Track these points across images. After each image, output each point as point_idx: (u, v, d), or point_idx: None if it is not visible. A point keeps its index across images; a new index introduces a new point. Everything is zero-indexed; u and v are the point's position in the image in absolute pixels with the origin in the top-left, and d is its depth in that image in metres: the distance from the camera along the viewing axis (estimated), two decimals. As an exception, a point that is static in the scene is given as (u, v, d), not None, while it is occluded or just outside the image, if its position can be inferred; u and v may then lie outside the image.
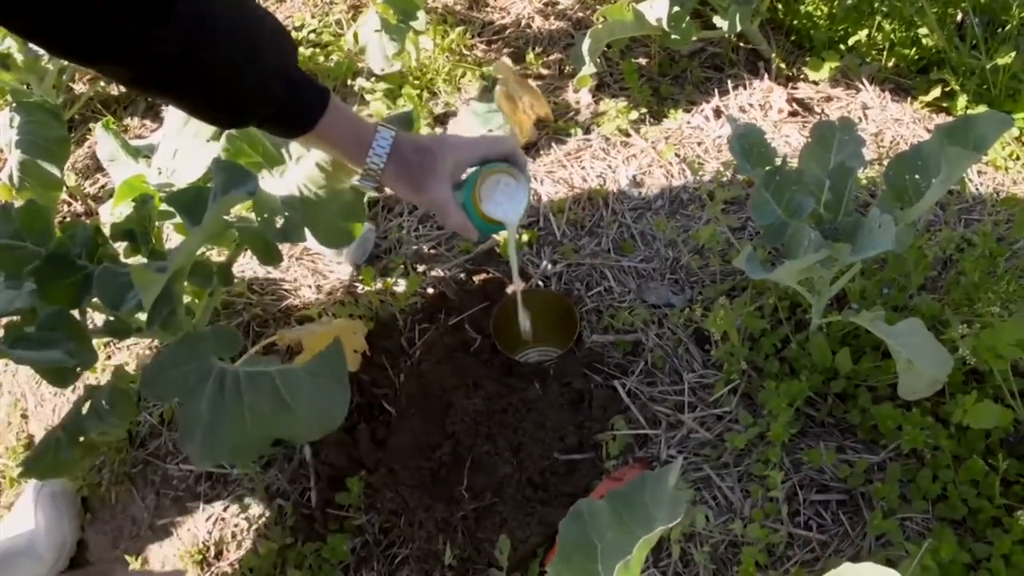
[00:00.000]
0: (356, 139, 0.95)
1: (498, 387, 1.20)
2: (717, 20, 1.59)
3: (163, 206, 1.12)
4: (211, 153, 1.17)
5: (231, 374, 0.94)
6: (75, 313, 1.04)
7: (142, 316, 1.02)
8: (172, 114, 1.25)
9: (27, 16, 0.73)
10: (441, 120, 1.65)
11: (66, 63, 1.76)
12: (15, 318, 1.05)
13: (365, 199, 1.15)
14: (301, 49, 1.85)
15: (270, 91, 0.86)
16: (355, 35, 1.64)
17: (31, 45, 1.63)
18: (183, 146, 1.22)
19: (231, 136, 1.13)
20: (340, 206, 1.12)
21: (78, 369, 1.01)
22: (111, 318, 1.09)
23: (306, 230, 1.11)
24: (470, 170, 0.98)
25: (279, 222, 1.08)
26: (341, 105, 0.95)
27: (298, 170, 1.12)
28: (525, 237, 1.40)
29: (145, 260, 1.12)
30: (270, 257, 1.12)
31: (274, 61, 0.86)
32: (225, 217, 1.08)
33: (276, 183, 1.13)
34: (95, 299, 1.02)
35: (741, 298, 1.22)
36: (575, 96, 1.67)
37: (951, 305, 1.15)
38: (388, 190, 1.07)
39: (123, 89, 1.95)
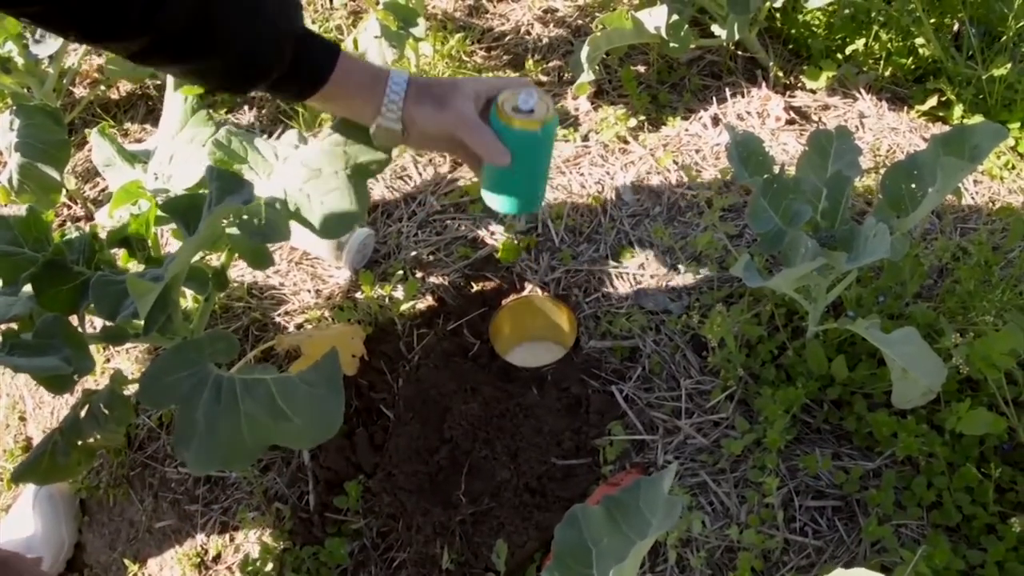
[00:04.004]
0: (372, 80, 0.95)
1: (496, 392, 1.21)
2: (715, 28, 1.60)
3: (159, 212, 1.12)
4: (207, 158, 1.17)
5: (227, 381, 0.94)
6: (73, 319, 1.04)
7: (139, 323, 1.02)
8: (167, 118, 1.25)
9: (40, 3, 0.75)
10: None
11: (66, 67, 1.77)
12: (12, 325, 1.05)
13: (365, 185, 1.14)
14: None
15: (280, 53, 0.87)
16: (355, 41, 1.65)
17: (32, 49, 1.63)
18: (178, 151, 1.22)
19: (218, 141, 1.13)
20: (332, 197, 1.11)
21: (76, 376, 1.00)
22: (108, 323, 1.09)
23: (292, 228, 1.10)
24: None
25: (258, 223, 1.08)
26: (350, 54, 0.95)
27: (285, 170, 1.12)
28: (524, 244, 1.40)
29: (142, 267, 1.13)
30: (258, 260, 1.12)
31: (281, 23, 0.86)
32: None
33: (264, 186, 1.14)
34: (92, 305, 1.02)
35: (738, 305, 1.23)
36: (574, 103, 1.67)
37: (946, 313, 1.16)
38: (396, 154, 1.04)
39: (124, 93, 1.96)
